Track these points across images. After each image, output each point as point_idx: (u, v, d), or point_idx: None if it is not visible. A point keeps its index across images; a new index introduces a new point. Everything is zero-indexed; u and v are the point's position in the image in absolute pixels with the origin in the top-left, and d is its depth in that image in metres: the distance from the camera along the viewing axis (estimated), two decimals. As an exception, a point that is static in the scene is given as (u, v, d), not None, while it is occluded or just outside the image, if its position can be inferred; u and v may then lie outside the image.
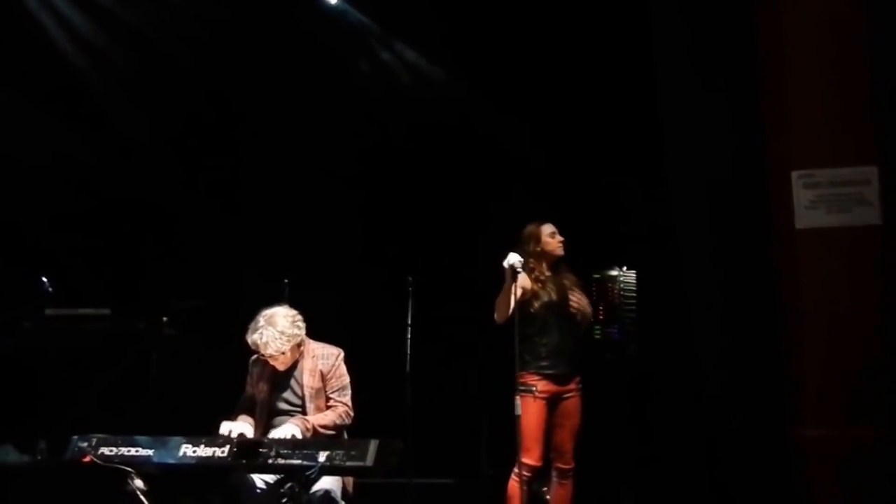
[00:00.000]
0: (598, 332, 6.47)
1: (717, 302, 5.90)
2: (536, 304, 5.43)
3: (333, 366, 5.07)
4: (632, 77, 6.60)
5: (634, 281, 6.58)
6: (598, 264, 6.70)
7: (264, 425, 4.99)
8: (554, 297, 5.48)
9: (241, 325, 5.05)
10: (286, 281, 6.09)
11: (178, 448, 4.51)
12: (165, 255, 7.65)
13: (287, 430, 4.71)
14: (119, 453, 4.55)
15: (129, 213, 7.74)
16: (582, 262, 6.60)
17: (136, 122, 7.80)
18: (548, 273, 5.56)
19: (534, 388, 5.32)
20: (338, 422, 4.96)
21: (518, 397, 5.17)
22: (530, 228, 5.64)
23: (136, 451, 4.55)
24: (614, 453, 6.41)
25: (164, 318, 6.85)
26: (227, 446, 4.47)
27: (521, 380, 5.28)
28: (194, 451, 4.49)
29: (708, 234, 5.96)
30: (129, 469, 4.48)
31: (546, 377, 5.38)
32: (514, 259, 5.24)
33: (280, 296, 5.88)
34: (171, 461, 4.48)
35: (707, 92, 5.94)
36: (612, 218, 7.08)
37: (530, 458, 5.16)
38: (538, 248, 5.58)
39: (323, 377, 5.03)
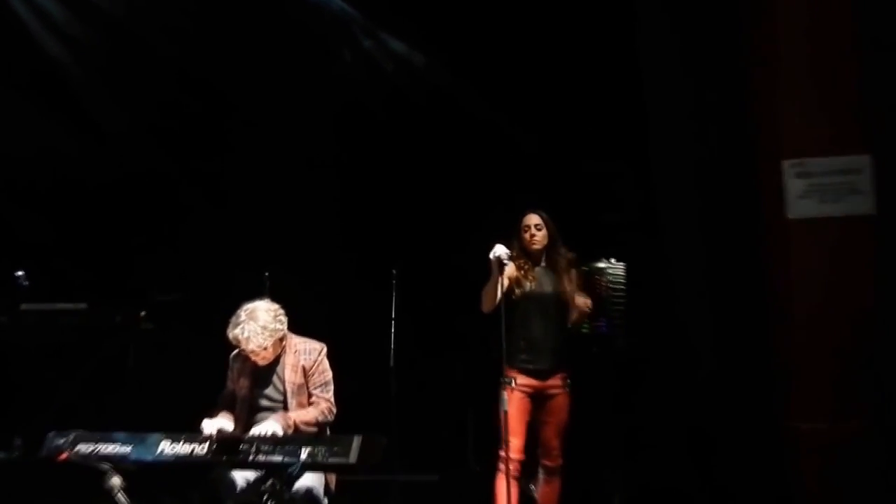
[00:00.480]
0: (585, 325, 6.44)
1: (707, 294, 5.93)
2: (516, 294, 5.37)
3: (316, 361, 5.03)
4: (619, 60, 6.60)
5: (622, 273, 6.55)
6: (585, 256, 6.68)
7: (245, 422, 4.95)
8: (534, 287, 5.41)
9: (221, 319, 5.00)
10: (267, 274, 6.04)
11: (157, 445, 4.46)
12: (144, 248, 7.57)
13: (268, 426, 4.67)
14: (96, 450, 4.50)
15: (107, 204, 7.67)
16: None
17: (115, 112, 7.75)
18: (533, 264, 5.49)
19: (512, 381, 5.28)
20: (320, 418, 4.93)
21: (502, 390, 5.15)
22: (519, 217, 5.58)
23: (114, 448, 4.49)
24: (602, 449, 6.39)
25: (143, 312, 6.79)
26: (207, 443, 4.43)
27: (505, 372, 5.25)
28: (173, 448, 4.45)
29: (697, 224, 5.99)
30: (107, 466, 4.42)
31: (525, 372, 5.33)
32: (500, 251, 5.20)
33: (261, 289, 5.83)
34: (150, 458, 4.44)
35: (692, 78, 5.96)
36: (599, 207, 7.06)
37: (509, 451, 5.11)
38: (518, 240, 5.53)
39: (305, 373, 5.00)
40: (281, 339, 4.97)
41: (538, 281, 5.44)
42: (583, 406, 5.64)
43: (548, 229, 5.52)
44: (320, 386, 5.00)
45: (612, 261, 6.56)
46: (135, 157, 7.74)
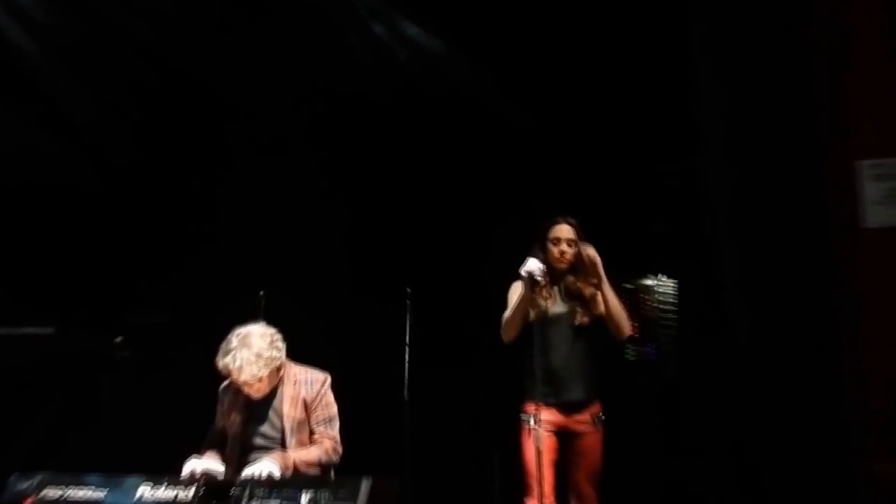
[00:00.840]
0: (630, 352, 6.44)
1: (769, 316, 5.89)
2: (532, 317, 5.24)
3: (319, 393, 5.04)
4: (667, 49, 6.59)
5: (673, 292, 6.54)
6: (629, 272, 6.68)
7: (237, 462, 4.96)
8: (552, 307, 5.31)
9: (210, 345, 5.01)
10: (262, 293, 6.04)
11: (135, 489, 4.45)
12: (120, 263, 7.57)
13: (264, 467, 4.67)
14: (66, 495, 4.49)
15: (78, 212, 7.66)
16: (611, 270, 6.59)
17: (87, 110, 7.76)
18: (552, 281, 5.37)
19: (531, 419, 5.18)
20: (323, 458, 4.93)
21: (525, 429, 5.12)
22: (545, 225, 5.45)
23: (86, 492, 4.48)
24: (646, 496, 6.36)
25: (119, 338, 6.80)
26: (193, 487, 4.42)
27: (524, 408, 5.20)
28: (153, 493, 4.44)
29: (756, 235, 5.94)
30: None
31: (546, 406, 5.21)
32: (533, 266, 5.13)
33: (256, 310, 5.84)
34: (127, 503, 4.44)
35: (750, 67, 5.94)
36: (646, 216, 7.03)
37: (535, 499, 5.08)
38: (539, 252, 5.38)
39: (306, 406, 5.00)
40: (278, 369, 4.98)
41: (557, 300, 5.35)
42: (624, 445, 5.62)
43: (578, 245, 5.37)
44: (324, 422, 5.01)
45: (662, 278, 6.55)
46: (109, 160, 7.75)
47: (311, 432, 5.00)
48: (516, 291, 5.33)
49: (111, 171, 7.71)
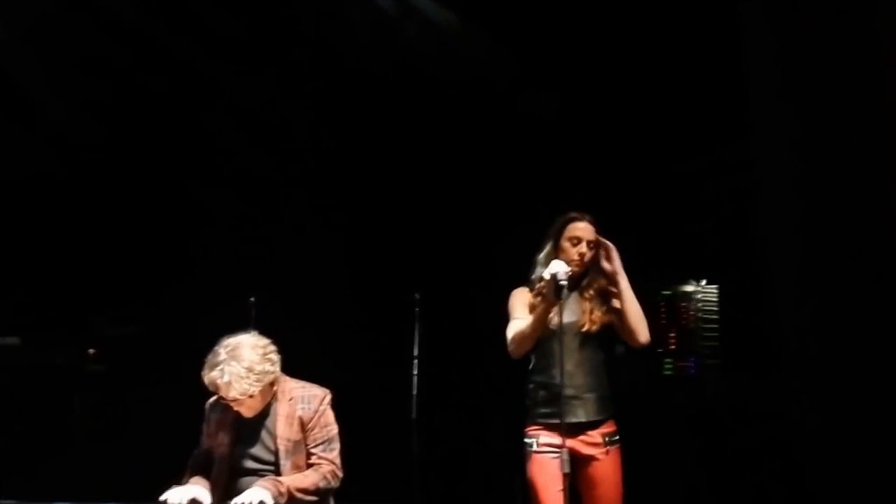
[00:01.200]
0: (669, 366, 6.45)
1: (824, 327, 5.89)
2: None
3: (317, 412, 5.04)
4: (710, 30, 6.58)
5: (715, 299, 6.57)
6: (668, 278, 6.70)
7: (224, 489, 4.98)
8: (560, 317, 5.02)
9: (192, 358, 5.04)
10: (253, 299, 6.10)
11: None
12: (92, 267, 7.63)
13: (254, 495, 4.69)
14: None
15: (46, 210, 7.75)
16: (645, 274, 6.62)
17: (54, 96, 7.81)
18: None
19: (532, 444, 5.14)
20: (321, 484, 4.94)
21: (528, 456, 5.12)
22: (558, 220, 5.26)
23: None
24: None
25: (91, 350, 6.84)
26: (173, 518, 4.48)
27: (526, 432, 5.16)
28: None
29: (811, 238, 5.94)
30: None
31: (548, 427, 5.10)
32: (558, 268, 4.97)
33: (245, 319, 5.88)
34: (102, 536, 4.52)
35: (809, 44, 5.97)
36: (686, 216, 7.04)
37: None
38: (556, 252, 5.20)
39: (303, 426, 5.00)
40: (272, 384, 4.98)
41: (564, 310, 5.08)
42: (656, 473, 5.62)
43: (597, 246, 5.20)
44: (322, 443, 5.01)
45: (703, 283, 6.58)
46: (79, 150, 7.80)
47: (308, 455, 5.01)
48: (520, 299, 5.26)
49: (79, 167, 7.75)
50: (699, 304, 6.60)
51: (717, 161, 6.92)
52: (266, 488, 4.73)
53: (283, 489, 4.79)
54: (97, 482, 5.74)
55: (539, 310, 5.08)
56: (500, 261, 6.40)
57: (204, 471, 5.03)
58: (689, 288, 6.55)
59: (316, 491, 4.92)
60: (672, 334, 6.57)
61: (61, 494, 4.76)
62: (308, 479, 4.92)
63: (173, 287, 7.43)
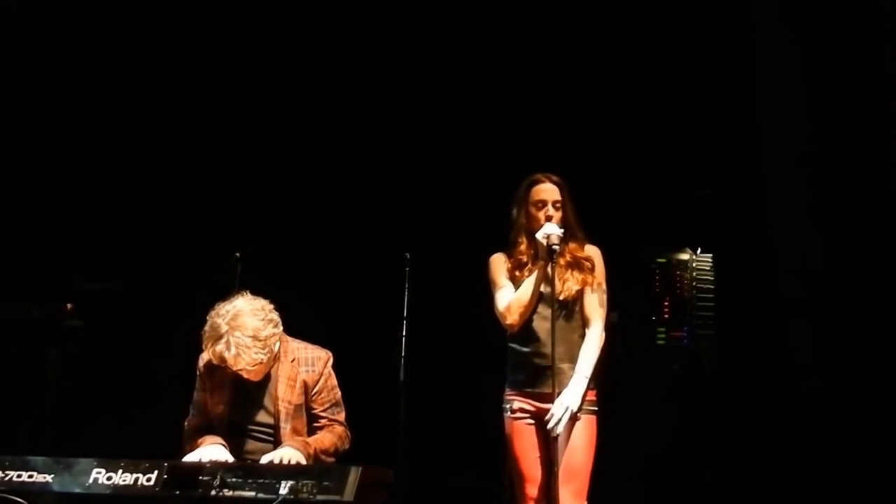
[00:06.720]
0: (662, 335, 6.44)
1: (825, 298, 5.89)
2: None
3: (322, 375, 5.02)
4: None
5: (711, 268, 6.54)
6: (661, 245, 6.67)
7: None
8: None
9: (174, 313, 4.99)
10: (237, 255, 6.02)
11: (88, 473, 4.44)
12: (69, 218, 7.52)
13: (289, 454, 4.68)
14: (8, 479, 4.48)
15: (19, 158, 7.62)
16: (638, 241, 6.58)
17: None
18: (536, 254, 5.20)
19: (507, 409, 5.20)
20: (339, 447, 4.98)
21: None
22: (523, 184, 5.28)
23: (31, 477, 4.48)
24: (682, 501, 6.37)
25: (68, 304, 6.79)
26: (156, 472, 4.41)
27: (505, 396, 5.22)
28: (110, 478, 4.44)
29: (817, 202, 5.93)
30: (21, 501, 4.41)
31: (523, 394, 5.17)
32: (551, 230, 5.06)
33: (229, 277, 5.81)
34: (78, 490, 4.41)
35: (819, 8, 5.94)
36: (679, 179, 6.97)
37: (522, 494, 5.11)
38: (522, 218, 5.25)
39: (307, 390, 4.98)
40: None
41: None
42: (649, 445, 5.60)
43: (567, 207, 5.21)
44: (331, 406, 5.02)
45: (698, 252, 6.55)
46: (57, 97, 7.71)
47: (315, 418, 4.99)
48: (500, 266, 5.28)
49: (50, 108, 7.61)
50: (694, 273, 6.56)
51: (716, 128, 6.88)
52: (298, 449, 4.76)
53: (311, 451, 4.82)
54: (74, 438, 5.70)
55: (535, 275, 5.13)
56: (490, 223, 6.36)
57: (212, 429, 4.97)
58: (684, 256, 6.52)
59: (335, 452, 4.97)
60: (666, 303, 6.54)
61: (38, 448, 4.70)
62: (328, 439, 4.97)
63: (151, 241, 7.36)
